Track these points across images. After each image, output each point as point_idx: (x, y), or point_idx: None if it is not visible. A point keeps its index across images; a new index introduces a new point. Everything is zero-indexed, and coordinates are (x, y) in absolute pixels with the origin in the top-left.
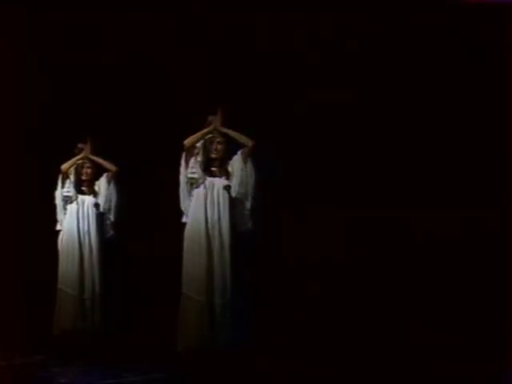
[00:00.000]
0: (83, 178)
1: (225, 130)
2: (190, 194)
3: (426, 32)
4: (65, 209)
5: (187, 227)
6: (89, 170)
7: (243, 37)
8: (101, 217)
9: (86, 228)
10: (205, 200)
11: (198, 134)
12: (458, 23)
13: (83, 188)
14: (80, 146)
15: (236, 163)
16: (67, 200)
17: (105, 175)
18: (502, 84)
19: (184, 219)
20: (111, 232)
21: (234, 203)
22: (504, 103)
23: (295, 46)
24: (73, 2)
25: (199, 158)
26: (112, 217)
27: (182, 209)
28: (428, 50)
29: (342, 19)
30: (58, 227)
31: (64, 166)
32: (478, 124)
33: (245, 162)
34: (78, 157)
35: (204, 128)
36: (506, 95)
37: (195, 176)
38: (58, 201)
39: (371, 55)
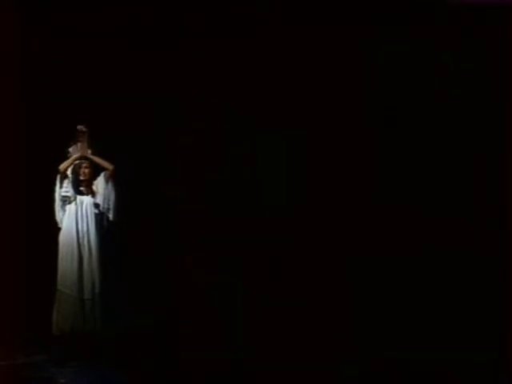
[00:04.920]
0: (81, 178)
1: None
2: (63, 208)
3: (426, 32)
4: (63, 209)
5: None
6: (86, 170)
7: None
8: (100, 217)
9: (85, 228)
10: (76, 214)
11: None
12: (458, 23)
13: (81, 188)
14: (79, 127)
15: (100, 183)
16: (65, 200)
17: (103, 174)
18: (503, 84)
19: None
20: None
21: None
22: (505, 103)
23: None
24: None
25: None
26: (111, 216)
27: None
28: (428, 50)
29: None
30: (60, 225)
31: (62, 166)
32: (479, 124)
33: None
34: (76, 156)
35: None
36: (506, 95)
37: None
38: (57, 201)
39: (370, 55)
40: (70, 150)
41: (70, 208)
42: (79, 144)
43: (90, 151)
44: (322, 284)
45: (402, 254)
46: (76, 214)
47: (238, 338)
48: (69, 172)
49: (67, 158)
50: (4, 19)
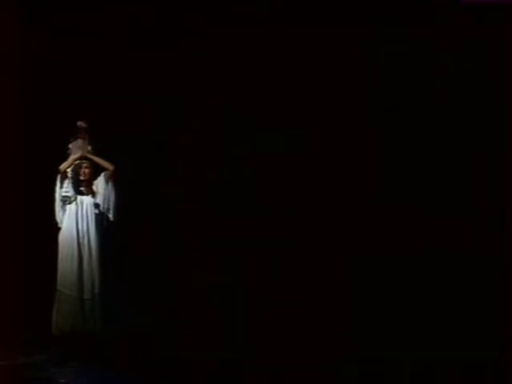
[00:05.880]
0: (81, 178)
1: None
2: (63, 208)
3: (426, 32)
4: (63, 209)
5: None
6: (87, 170)
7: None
8: (100, 217)
9: (85, 228)
10: (76, 214)
11: (70, 160)
12: (458, 23)
13: (82, 188)
14: (79, 124)
15: (100, 183)
16: (66, 200)
17: (103, 174)
18: (503, 84)
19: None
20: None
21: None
22: (505, 103)
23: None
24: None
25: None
26: (111, 216)
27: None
28: (428, 50)
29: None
30: (60, 225)
31: (62, 166)
32: (479, 124)
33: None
34: (76, 156)
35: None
36: (506, 95)
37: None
38: (57, 201)
39: (370, 55)
40: (70, 146)
41: (70, 208)
42: (79, 140)
43: (90, 148)
44: (322, 284)
45: (402, 253)
46: (76, 214)
47: (237, 337)
48: (69, 172)
49: (67, 156)
50: (4, 19)
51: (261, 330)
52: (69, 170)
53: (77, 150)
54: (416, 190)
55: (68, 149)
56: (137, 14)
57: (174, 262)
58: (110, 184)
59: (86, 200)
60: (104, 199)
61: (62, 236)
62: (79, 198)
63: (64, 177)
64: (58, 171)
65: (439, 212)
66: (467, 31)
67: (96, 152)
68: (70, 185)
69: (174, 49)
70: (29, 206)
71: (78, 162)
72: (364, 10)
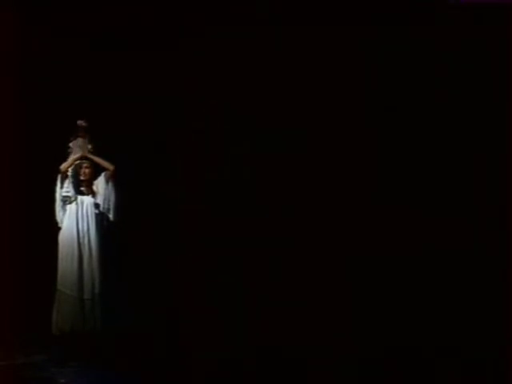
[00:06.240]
0: (82, 178)
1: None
2: (64, 208)
3: (426, 32)
4: (64, 209)
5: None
6: (87, 170)
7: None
8: (100, 217)
9: (85, 228)
10: (76, 214)
11: (70, 160)
12: (458, 23)
13: (82, 188)
14: (79, 122)
15: (100, 183)
16: (66, 200)
17: (103, 174)
18: (503, 84)
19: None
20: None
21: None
22: (505, 103)
23: None
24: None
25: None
26: (111, 216)
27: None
28: (428, 50)
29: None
30: (60, 225)
31: (63, 166)
32: (479, 124)
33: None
34: (77, 156)
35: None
36: (506, 95)
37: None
38: (57, 201)
39: (370, 55)
40: (71, 145)
41: (71, 208)
42: (79, 139)
43: (90, 146)
44: (322, 284)
45: (402, 253)
46: (76, 214)
47: (238, 337)
48: (69, 172)
49: (67, 156)
50: (4, 19)
51: (261, 330)
52: (69, 169)
53: (77, 148)
54: (416, 190)
55: (68, 148)
56: (137, 14)
57: (174, 261)
58: (110, 184)
59: (87, 200)
60: (104, 199)
61: (62, 236)
62: (79, 197)
63: (64, 177)
64: (58, 171)
65: (439, 212)
66: (467, 31)
67: (96, 152)
68: (71, 185)
69: (174, 49)
70: (29, 206)
71: (78, 161)
72: (364, 9)
